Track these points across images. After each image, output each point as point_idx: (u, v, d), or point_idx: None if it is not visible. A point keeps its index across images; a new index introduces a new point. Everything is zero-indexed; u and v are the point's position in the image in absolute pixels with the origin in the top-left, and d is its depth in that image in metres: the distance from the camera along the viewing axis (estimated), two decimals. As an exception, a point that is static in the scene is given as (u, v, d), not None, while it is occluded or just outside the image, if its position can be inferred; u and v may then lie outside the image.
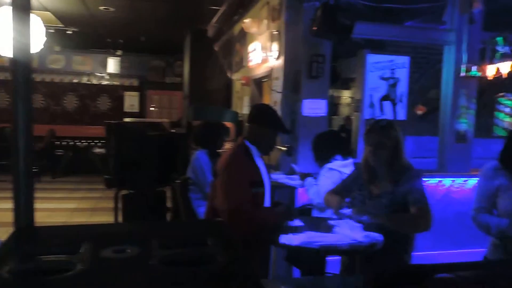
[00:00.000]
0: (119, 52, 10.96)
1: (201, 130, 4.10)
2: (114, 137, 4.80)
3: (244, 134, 2.54)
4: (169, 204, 4.89)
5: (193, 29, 8.05)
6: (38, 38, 6.30)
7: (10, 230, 1.41)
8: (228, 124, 5.17)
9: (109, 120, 8.06)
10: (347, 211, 2.43)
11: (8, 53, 6.38)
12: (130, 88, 11.32)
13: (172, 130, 7.95)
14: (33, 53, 5.48)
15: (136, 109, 11.24)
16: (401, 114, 5.28)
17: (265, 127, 2.49)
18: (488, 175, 2.19)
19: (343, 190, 2.66)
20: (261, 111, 2.61)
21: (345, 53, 6.90)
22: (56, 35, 8.57)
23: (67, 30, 8.34)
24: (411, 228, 2.44)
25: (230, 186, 2.27)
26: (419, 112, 5.90)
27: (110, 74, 11.14)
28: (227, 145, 4.57)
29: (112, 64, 11.10)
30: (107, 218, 5.62)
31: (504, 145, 2.20)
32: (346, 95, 9.43)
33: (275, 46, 4.65)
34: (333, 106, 9.11)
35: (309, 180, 3.28)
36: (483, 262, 2.10)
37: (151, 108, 11.38)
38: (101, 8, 6.79)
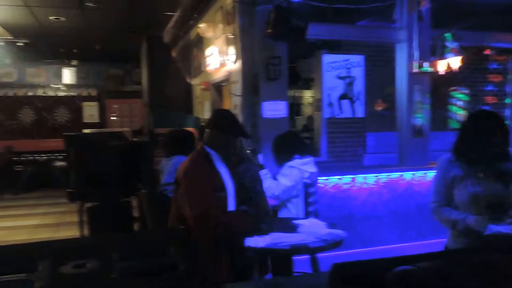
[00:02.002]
0: (74, 62, 10.71)
1: (171, 138, 4.08)
2: (74, 149, 4.69)
3: (204, 139, 2.55)
4: (136, 214, 4.83)
5: (148, 35, 7.97)
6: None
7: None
8: (191, 129, 5.15)
9: (68, 132, 7.85)
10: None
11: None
12: (89, 98, 11.07)
13: (135, 139, 7.85)
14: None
15: (96, 119, 10.99)
16: (360, 112, 5.42)
17: (224, 132, 2.51)
18: (443, 167, 2.26)
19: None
20: (220, 117, 2.62)
21: (304, 54, 7.03)
22: (6, 48, 8.30)
23: (17, 42, 8.09)
24: None
25: (193, 193, 2.28)
26: (379, 108, 6.07)
27: (66, 85, 10.87)
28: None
29: (68, 75, 10.84)
30: (72, 232, 5.47)
31: (456, 137, 2.28)
32: (307, 95, 9.57)
33: (231, 50, 4.68)
34: (296, 106, 9.24)
35: (263, 171, 3.35)
36: (443, 252, 2.15)
37: (111, 118, 11.17)
38: (51, 18, 6.63)
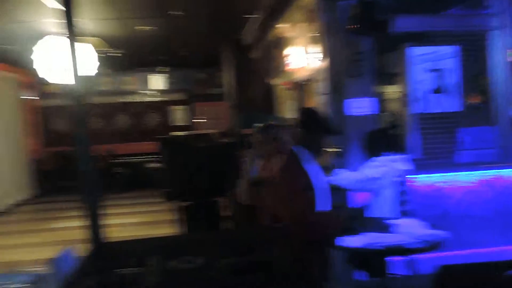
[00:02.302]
0: (164, 68, 11.32)
1: None
2: (167, 151, 4.97)
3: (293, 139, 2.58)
4: (225, 213, 4.99)
5: (230, 38, 8.18)
6: (91, 63, 6.66)
7: (81, 246, 1.53)
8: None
9: (159, 135, 8.34)
10: None
11: (57, 80, 6.79)
12: (177, 102, 11.65)
13: (222, 140, 8.11)
14: (88, 77, 5.74)
15: (184, 122, 11.54)
16: (453, 106, 5.10)
17: (312, 130, 2.52)
18: None
19: None
20: (308, 115, 2.63)
21: (388, 47, 6.79)
22: (104, 58, 8.98)
23: (114, 53, 8.72)
24: None
25: (283, 192, 2.31)
26: (472, 101, 5.69)
27: (157, 91, 11.53)
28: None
29: (158, 81, 11.48)
30: (168, 230, 5.79)
31: None
32: (391, 91, 9.23)
33: (314, 48, 4.66)
34: (380, 102, 8.94)
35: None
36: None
37: (198, 120, 11.64)
38: (143, 28, 7.06)
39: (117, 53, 8.75)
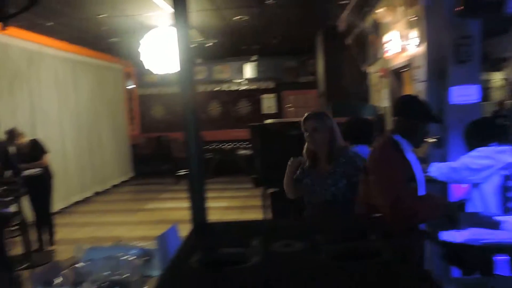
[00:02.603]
0: (254, 58, 11.49)
1: (355, 126, 4.02)
2: (258, 138, 5.04)
3: (392, 128, 2.47)
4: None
5: (324, 26, 8.05)
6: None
7: (186, 226, 1.59)
8: (370, 118, 5.05)
9: (249, 123, 8.49)
10: None
11: (161, 70, 7.16)
12: (267, 91, 11.79)
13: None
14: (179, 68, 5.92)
15: (273, 110, 11.66)
16: None
17: (414, 118, 2.40)
18: None
19: None
20: (408, 103, 2.50)
21: (494, 31, 6.25)
22: (198, 48, 9.32)
23: (207, 43, 9.01)
24: None
25: (385, 182, 2.23)
26: None
27: (247, 79, 11.75)
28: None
29: (249, 70, 11.69)
30: (256, 215, 5.92)
31: None
32: (497, 78, 8.53)
33: (414, 33, 4.43)
34: (483, 90, 8.32)
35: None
36: None
37: (287, 108, 11.69)
38: (236, 18, 7.19)
39: (209, 42, 9.03)
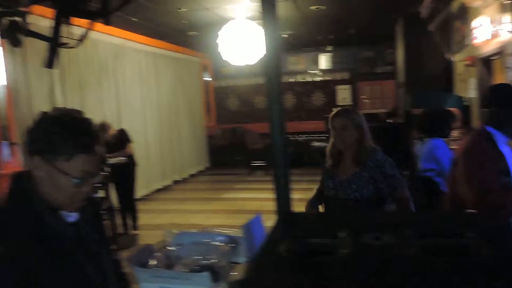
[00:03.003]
0: (329, 48, 11.31)
1: (428, 117, 3.83)
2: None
3: (484, 119, 2.32)
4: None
5: (404, 13, 7.72)
6: (262, 45, 6.99)
7: (270, 217, 1.61)
8: (454, 110, 4.78)
9: (323, 114, 8.39)
10: None
11: (238, 62, 7.28)
12: (342, 82, 11.57)
13: (388, 120, 7.81)
14: (257, 59, 6.00)
15: (348, 101, 11.42)
16: None
17: (508, 108, 2.23)
18: None
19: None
20: (501, 92, 2.34)
21: None
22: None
23: (283, 34, 9.00)
24: None
25: (475, 175, 2.11)
26: None
27: (322, 70, 11.61)
28: (455, 133, 4.25)
29: (324, 61, 11.53)
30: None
31: None
32: None
33: (507, 18, 4.11)
34: None
35: None
36: None
37: (362, 100, 11.40)
38: (313, 7, 7.10)
39: (285, 34, 9.02)
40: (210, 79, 12.18)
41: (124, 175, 5.95)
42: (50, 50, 3.70)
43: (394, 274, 1.10)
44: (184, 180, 10.19)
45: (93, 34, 6.77)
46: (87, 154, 1.31)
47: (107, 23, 3.77)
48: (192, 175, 10.69)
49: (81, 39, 3.87)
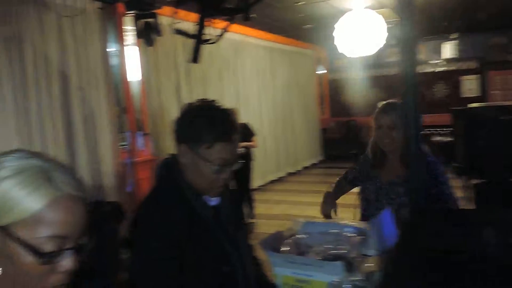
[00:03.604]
0: (454, 35, 10.51)
1: None
2: (463, 124, 4.63)
3: None
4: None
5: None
6: (380, 35, 6.77)
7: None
8: None
9: (445, 107, 7.85)
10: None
11: (356, 53, 7.13)
12: (468, 72, 10.68)
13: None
14: (375, 50, 5.82)
15: (475, 93, 10.52)
16: None
17: None
18: None
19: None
20: None
21: None
22: (392, 29, 8.97)
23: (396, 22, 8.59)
24: None
25: None
26: None
27: (445, 60, 10.84)
28: None
29: (447, 49, 10.76)
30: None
31: None
32: None
33: None
34: None
35: None
36: None
37: (492, 91, 10.42)
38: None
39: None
40: (325, 71, 12.10)
41: (242, 166, 6.20)
42: (195, 47, 4.02)
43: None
44: (298, 172, 10.30)
45: (216, 32, 7.18)
46: (226, 142, 1.40)
47: (246, 19, 3.99)
48: (305, 168, 10.76)
49: (221, 34, 4.15)
